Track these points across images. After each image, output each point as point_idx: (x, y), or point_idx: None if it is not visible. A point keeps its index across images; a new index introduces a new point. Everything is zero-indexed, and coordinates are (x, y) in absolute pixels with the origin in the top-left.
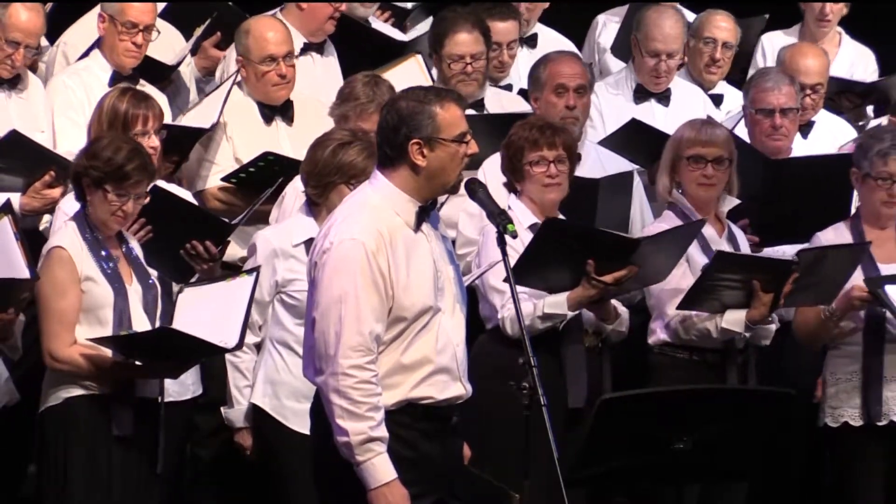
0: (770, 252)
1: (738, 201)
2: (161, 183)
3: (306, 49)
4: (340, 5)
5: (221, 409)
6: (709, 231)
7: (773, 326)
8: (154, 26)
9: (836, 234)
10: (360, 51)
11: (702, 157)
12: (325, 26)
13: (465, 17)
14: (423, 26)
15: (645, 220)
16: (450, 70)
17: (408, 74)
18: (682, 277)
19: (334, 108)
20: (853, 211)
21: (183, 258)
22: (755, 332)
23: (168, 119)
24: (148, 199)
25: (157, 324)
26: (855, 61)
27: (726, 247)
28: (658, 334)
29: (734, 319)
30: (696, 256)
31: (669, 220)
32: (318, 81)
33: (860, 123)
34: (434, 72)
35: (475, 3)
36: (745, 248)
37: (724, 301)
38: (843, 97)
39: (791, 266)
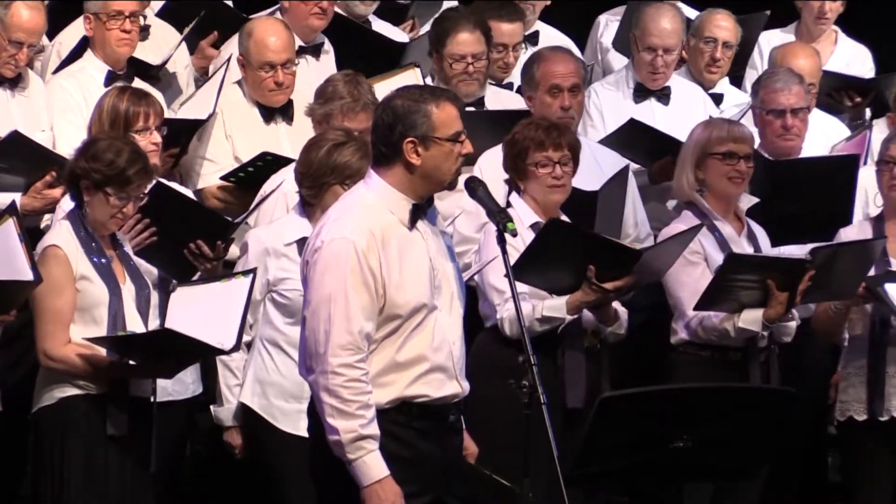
0: (775, 252)
1: (756, 199)
2: (162, 180)
3: (301, 52)
4: (320, 2)
5: (211, 407)
6: (727, 229)
7: (794, 323)
8: (140, 13)
9: (858, 231)
10: (358, 52)
11: (734, 153)
12: (310, 22)
13: (467, 18)
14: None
15: (638, 218)
16: (451, 70)
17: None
18: (702, 277)
19: (316, 108)
20: (855, 212)
21: (185, 256)
22: (776, 330)
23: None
24: (146, 199)
25: (150, 323)
26: (851, 60)
27: (746, 244)
28: (680, 334)
29: (751, 318)
30: (715, 256)
31: (688, 221)
32: (311, 86)
33: (857, 122)
34: (430, 77)
35: (479, 3)
36: (765, 245)
37: (742, 300)
38: (844, 94)
39: (805, 264)
